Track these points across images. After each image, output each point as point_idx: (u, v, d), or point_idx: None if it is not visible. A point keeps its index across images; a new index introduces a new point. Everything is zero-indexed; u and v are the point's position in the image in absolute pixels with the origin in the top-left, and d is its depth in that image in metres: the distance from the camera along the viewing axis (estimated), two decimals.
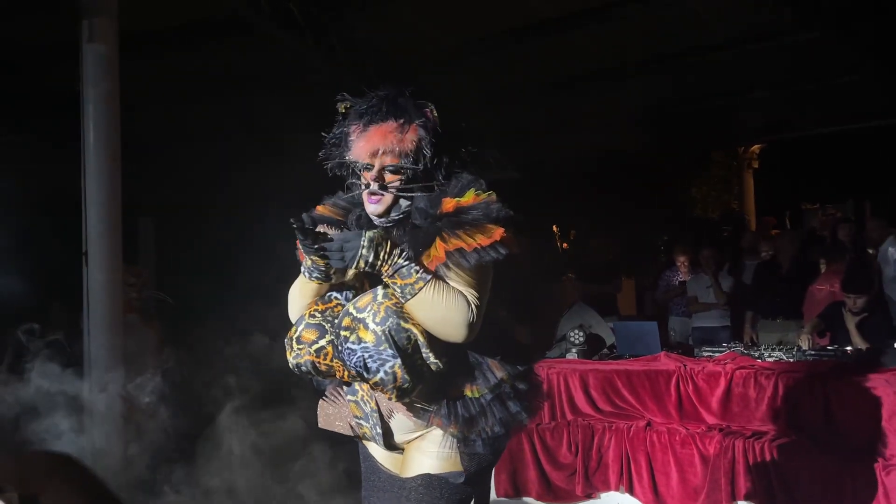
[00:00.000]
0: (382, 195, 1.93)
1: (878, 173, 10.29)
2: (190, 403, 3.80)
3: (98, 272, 4.15)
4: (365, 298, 1.84)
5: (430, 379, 1.86)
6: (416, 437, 2.02)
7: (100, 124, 4.21)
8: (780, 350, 4.23)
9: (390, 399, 1.87)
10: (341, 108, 2.01)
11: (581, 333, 4.79)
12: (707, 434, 3.91)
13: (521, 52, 6.22)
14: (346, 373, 1.87)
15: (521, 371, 1.97)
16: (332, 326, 1.89)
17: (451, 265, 1.83)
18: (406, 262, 1.82)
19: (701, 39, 6.11)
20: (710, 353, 4.38)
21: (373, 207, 1.94)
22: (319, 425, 2.21)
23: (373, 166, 1.93)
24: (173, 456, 3.70)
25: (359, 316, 1.80)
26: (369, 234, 1.83)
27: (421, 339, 1.80)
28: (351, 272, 1.98)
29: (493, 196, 1.90)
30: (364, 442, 2.20)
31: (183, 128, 6.46)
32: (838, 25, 5.36)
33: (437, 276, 1.83)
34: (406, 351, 1.78)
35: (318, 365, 1.90)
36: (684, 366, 4.17)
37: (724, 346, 4.51)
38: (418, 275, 1.81)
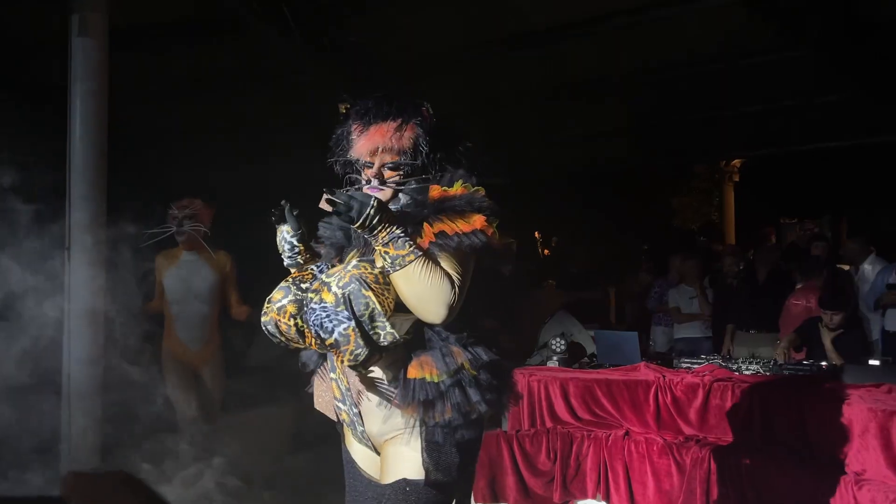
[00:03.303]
0: (382, 189, 2.05)
1: (856, 191, 10.49)
2: None
3: (80, 268, 4.11)
4: (336, 268, 1.97)
5: (388, 353, 1.93)
6: (391, 438, 2.05)
7: (87, 120, 4.18)
8: (757, 363, 4.30)
9: (343, 362, 1.92)
10: (342, 108, 2.13)
11: (562, 341, 4.84)
12: (684, 444, 3.97)
13: (511, 61, 6.26)
14: (313, 339, 1.92)
15: (486, 361, 1.98)
16: (297, 289, 1.98)
17: (434, 248, 1.92)
18: (402, 234, 1.90)
19: (687, 54, 6.19)
20: (689, 365, 4.45)
21: None
22: (315, 405, 2.28)
23: (373, 164, 2.06)
24: None
25: (326, 280, 1.91)
26: (379, 197, 1.96)
27: (379, 308, 1.85)
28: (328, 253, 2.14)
29: (482, 191, 2.00)
30: (346, 443, 2.25)
31: (171, 125, 6.42)
32: (821, 46, 5.46)
33: (426, 255, 1.91)
34: (361, 316, 1.84)
35: (279, 324, 1.96)
36: (663, 376, 4.23)
37: (702, 359, 4.58)
38: (411, 248, 1.89)
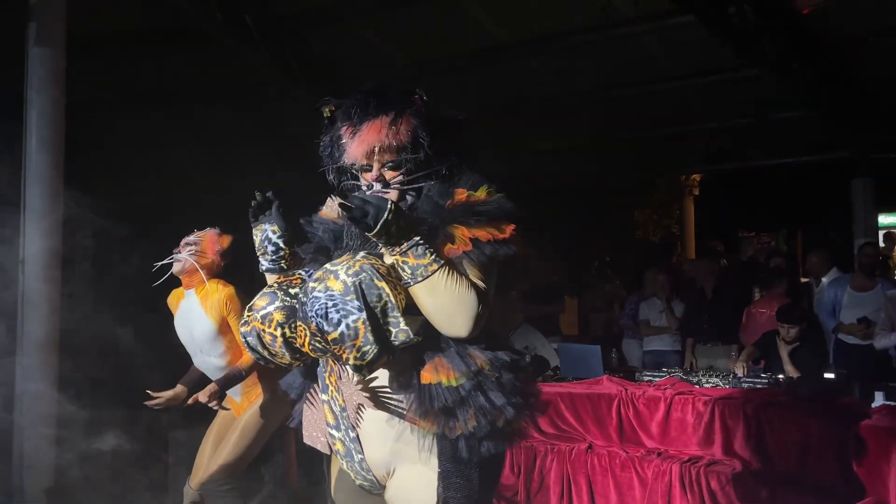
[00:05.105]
0: (387, 192, 1.84)
1: (811, 205, 10.79)
2: None
3: (35, 281, 4.01)
4: (342, 257, 1.72)
5: (401, 358, 1.72)
6: (402, 460, 1.83)
7: (43, 131, 4.09)
8: (716, 376, 4.37)
9: (347, 362, 1.68)
10: (326, 111, 1.92)
11: (526, 355, 4.85)
12: (646, 458, 4.00)
13: (473, 76, 6.31)
14: (307, 339, 1.71)
15: (507, 361, 1.76)
16: (284, 294, 1.79)
17: (465, 255, 1.72)
18: (422, 242, 1.70)
19: (649, 72, 6.31)
20: (651, 378, 4.50)
21: None
22: (303, 440, 2.02)
23: (371, 166, 1.85)
24: None
25: (331, 268, 1.67)
26: (395, 202, 1.73)
27: (393, 300, 1.64)
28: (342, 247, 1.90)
29: (504, 196, 1.82)
30: (332, 491, 2.03)
31: (131, 136, 6.32)
32: (777, 65, 5.61)
33: (449, 263, 1.71)
34: (374, 308, 1.62)
35: (262, 334, 1.76)
36: (625, 390, 4.26)
37: (664, 372, 4.64)
38: (432, 256, 1.69)
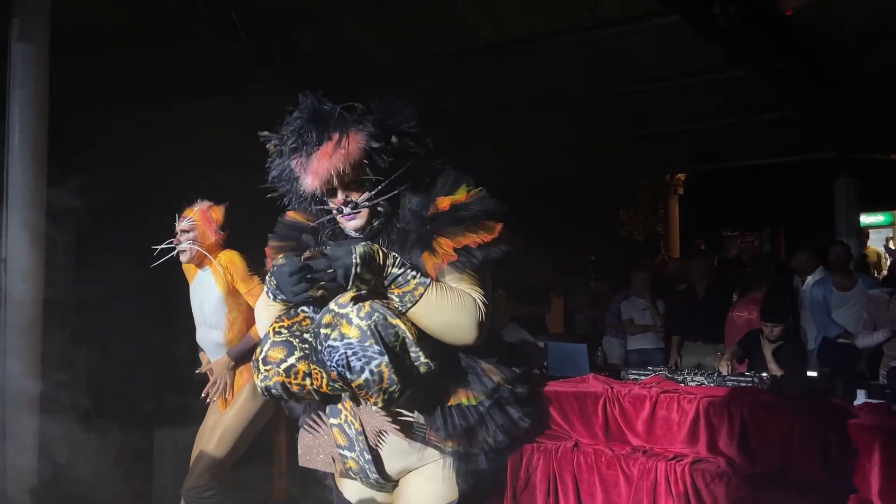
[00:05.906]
0: (358, 212, 1.81)
1: (794, 205, 10.90)
2: None
3: (18, 280, 3.97)
4: (347, 295, 1.68)
5: (421, 383, 1.71)
6: (410, 473, 1.88)
7: (26, 127, 4.03)
8: (701, 375, 4.40)
9: (375, 404, 1.69)
10: (270, 146, 1.86)
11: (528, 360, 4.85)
12: (631, 455, 4.02)
13: (463, 74, 6.32)
14: (324, 381, 1.68)
15: (519, 374, 1.82)
16: (300, 342, 1.72)
17: (454, 265, 1.72)
18: (401, 270, 1.70)
19: (635, 72, 6.34)
20: (637, 377, 4.52)
21: (353, 223, 1.82)
22: (300, 462, 2.01)
23: (335, 192, 1.80)
24: None
25: (341, 312, 1.64)
26: (359, 248, 1.67)
27: (410, 336, 1.65)
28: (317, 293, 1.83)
29: (484, 191, 1.81)
30: (342, 489, 2.03)
31: (116, 131, 6.26)
32: (762, 66, 5.65)
33: (436, 280, 1.72)
34: (393, 348, 1.62)
35: (289, 386, 1.70)
36: (611, 388, 4.29)
37: (649, 370, 4.66)
38: (416, 280, 1.70)
